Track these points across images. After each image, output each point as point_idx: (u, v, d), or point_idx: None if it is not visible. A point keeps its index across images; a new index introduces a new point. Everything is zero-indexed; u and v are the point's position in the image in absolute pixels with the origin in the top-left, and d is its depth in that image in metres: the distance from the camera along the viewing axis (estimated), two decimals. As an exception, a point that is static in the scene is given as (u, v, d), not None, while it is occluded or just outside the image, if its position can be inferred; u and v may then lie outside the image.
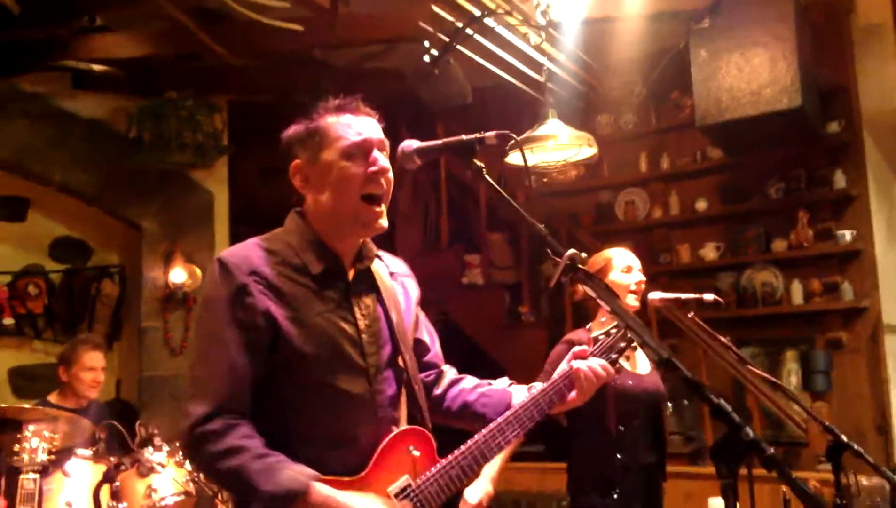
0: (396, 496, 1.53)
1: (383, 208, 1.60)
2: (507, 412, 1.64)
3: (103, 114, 4.92)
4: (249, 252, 1.57)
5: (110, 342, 4.95)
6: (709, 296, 2.72)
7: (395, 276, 1.75)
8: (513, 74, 4.05)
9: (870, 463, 2.30)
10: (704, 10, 4.54)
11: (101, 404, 4.03)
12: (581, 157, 3.83)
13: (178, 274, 4.85)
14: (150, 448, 3.07)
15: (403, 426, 1.65)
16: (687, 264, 5.36)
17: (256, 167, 5.89)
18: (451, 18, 3.42)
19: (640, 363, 2.85)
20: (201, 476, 3.05)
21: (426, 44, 3.49)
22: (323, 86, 5.26)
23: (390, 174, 1.61)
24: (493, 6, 3.33)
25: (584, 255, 1.40)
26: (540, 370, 4.97)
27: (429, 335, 1.83)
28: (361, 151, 1.59)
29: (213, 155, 4.85)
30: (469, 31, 3.44)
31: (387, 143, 1.63)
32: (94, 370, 3.70)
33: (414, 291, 1.79)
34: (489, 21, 3.47)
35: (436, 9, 3.32)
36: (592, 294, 1.35)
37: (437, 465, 1.59)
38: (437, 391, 1.81)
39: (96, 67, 4.39)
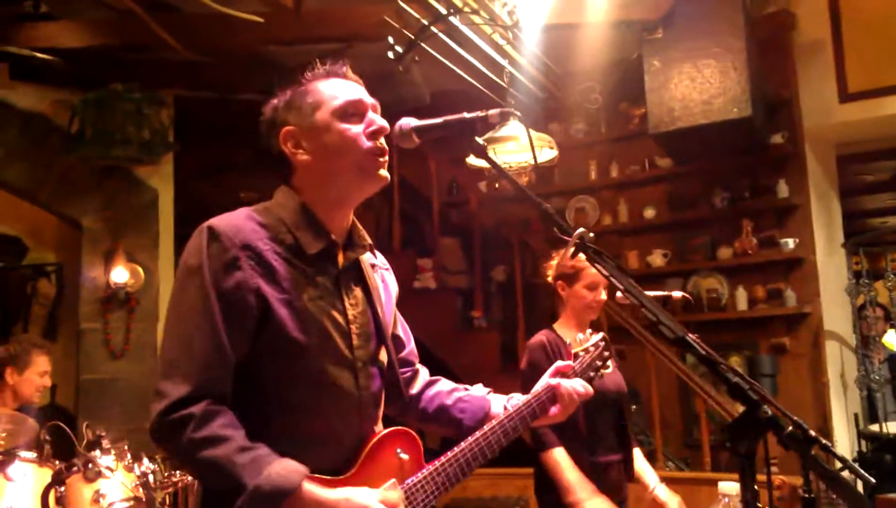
0: None
1: (385, 159, 1.52)
2: (494, 423, 1.62)
3: (42, 106, 4.70)
4: (242, 223, 1.45)
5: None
6: (677, 293, 2.75)
7: (375, 268, 1.67)
8: (473, 76, 4.04)
9: (837, 457, 2.33)
10: (658, 20, 4.63)
11: (36, 409, 3.82)
12: (542, 159, 3.83)
13: (120, 274, 4.66)
14: (98, 452, 2.91)
15: (380, 425, 1.58)
16: (635, 270, 5.44)
17: (200, 165, 5.73)
18: (416, 15, 3.38)
19: None
20: (151, 478, 2.92)
21: (390, 40, 3.43)
22: (275, 84, 5.17)
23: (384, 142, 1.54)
24: (459, 4, 3.31)
25: (592, 234, 1.38)
26: (492, 374, 4.95)
27: (404, 331, 1.78)
28: (358, 110, 1.52)
29: (159, 151, 4.68)
30: (434, 29, 3.41)
31: (378, 107, 1.57)
32: (46, 373, 3.51)
33: (393, 285, 1.73)
34: (454, 20, 3.44)
35: (402, 4, 3.28)
36: (605, 272, 1.32)
37: (424, 470, 1.53)
38: (413, 390, 1.76)
39: (38, 55, 4.18)
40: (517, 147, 3.78)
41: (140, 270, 4.74)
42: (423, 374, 1.80)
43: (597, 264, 1.33)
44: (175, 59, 4.75)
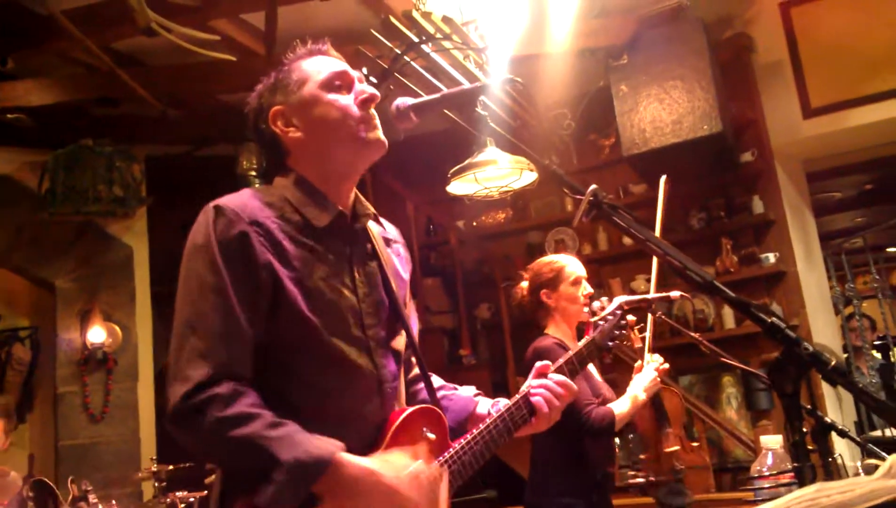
0: None
1: (377, 124, 1.50)
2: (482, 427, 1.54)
3: (10, 169, 4.62)
4: (248, 201, 1.41)
5: (22, 414, 4.52)
6: (675, 293, 2.72)
7: (390, 243, 1.64)
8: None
9: (856, 441, 2.29)
10: (622, 46, 4.73)
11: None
12: (523, 182, 3.82)
13: (97, 333, 4.52)
14: (85, 506, 2.77)
15: (403, 405, 1.52)
16: (620, 297, 5.41)
17: (175, 220, 5.65)
18: (389, 45, 3.40)
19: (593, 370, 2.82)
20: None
21: (364, 71, 3.44)
22: (246, 134, 5.15)
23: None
24: (432, 30, 3.34)
25: (605, 192, 1.35)
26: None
27: (413, 319, 1.71)
28: (344, 81, 1.50)
29: (132, 206, 4.60)
30: (407, 58, 3.42)
31: (364, 78, 1.56)
32: None
33: (407, 262, 1.68)
34: (426, 48, 3.46)
35: (375, 33, 3.29)
36: (623, 225, 1.29)
37: (451, 448, 1.47)
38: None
39: (7, 116, 4.12)
40: (496, 171, 3.77)
41: (117, 328, 4.61)
42: (416, 369, 1.72)
43: (615, 218, 1.29)
44: (145, 115, 4.73)
